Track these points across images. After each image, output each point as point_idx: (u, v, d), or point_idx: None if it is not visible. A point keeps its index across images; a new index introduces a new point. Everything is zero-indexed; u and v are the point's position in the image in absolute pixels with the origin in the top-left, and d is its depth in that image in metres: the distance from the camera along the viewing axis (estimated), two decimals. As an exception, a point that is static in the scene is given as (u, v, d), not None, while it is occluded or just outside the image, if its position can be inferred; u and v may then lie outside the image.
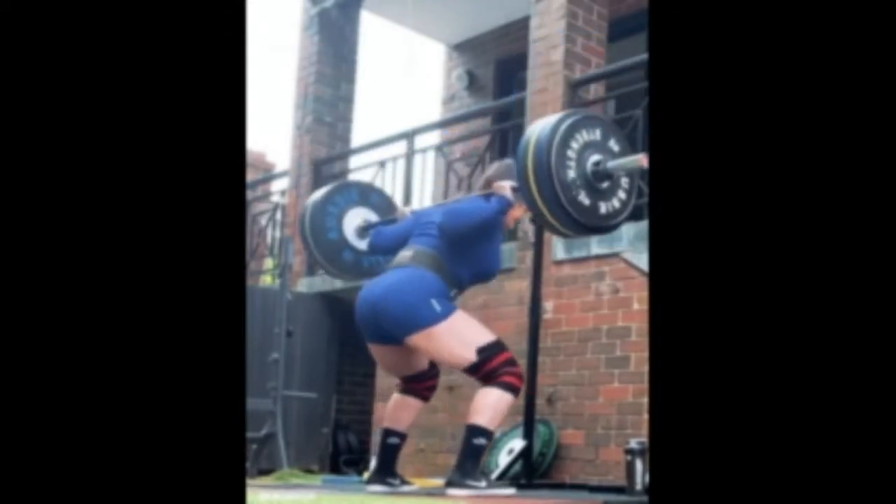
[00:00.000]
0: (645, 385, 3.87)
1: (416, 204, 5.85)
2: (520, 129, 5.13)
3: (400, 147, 5.99)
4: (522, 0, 5.38)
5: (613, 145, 3.11)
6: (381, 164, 6.05)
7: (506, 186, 3.31)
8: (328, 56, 6.72)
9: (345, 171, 6.61)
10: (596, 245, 4.38)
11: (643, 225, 4.13)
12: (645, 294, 4.00)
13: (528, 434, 4.04)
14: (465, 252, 3.28)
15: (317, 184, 6.50)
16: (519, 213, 3.45)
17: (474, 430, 3.13)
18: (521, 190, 3.07)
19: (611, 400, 4.20)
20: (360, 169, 6.40)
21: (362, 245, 3.93)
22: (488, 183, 3.50)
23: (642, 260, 4.11)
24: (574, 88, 4.82)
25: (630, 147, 3.22)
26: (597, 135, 3.07)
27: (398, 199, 5.88)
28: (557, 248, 4.57)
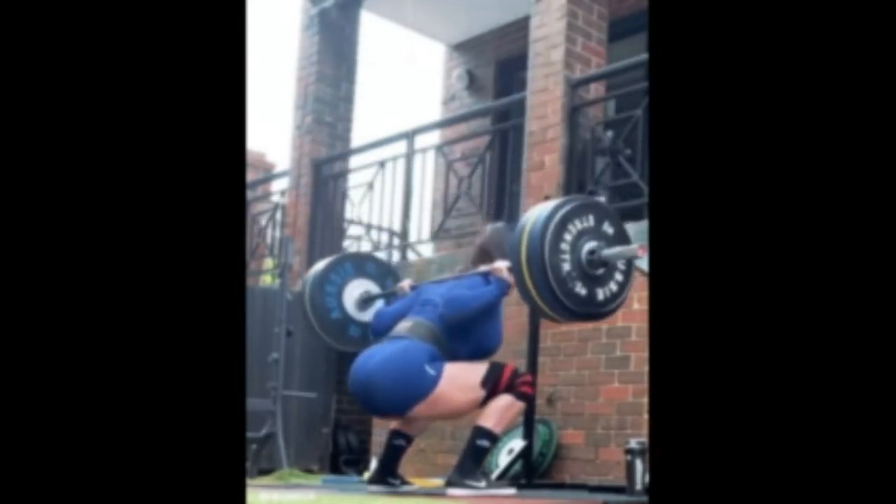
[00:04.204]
0: (645, 385, 3.87)
1: (415, 206, 5.85)
2: (520, 129, 5.13)
3: (400, 147, 5.99)
4: (522, 0, 5.38)
5: (608, 228, 3.09)
6: (381, 164, 6.05)
7: (504, 269, 3.31)
8: (328, 56, 6.72)
9: (345, 171, 6.61)
10: (596, 245, 4.37)
11: (643, 225, 4.13)
12: (645, 294, 3.99)
13: (528, 434, 4.04)
14: (465, 332, 3.30)
15: (317, 184, 6.51)
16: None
17: (479, 432, 3.15)
18: (516, 281, 3.07)
19: (611, 400, 4.20)
20: (361, 169, 6.40)
21: (366, 316, 3.92)
22: (482, 252, 3.51)
23: (642, 260, 4.11)
24: (574, 88, 4.82)
25: (624, 230, 3.20)
26: (590, 221, 3.06)
27: (397, 201, 5.90)
28: (557, 248, 4.56)
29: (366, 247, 6.38)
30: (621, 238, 3.12)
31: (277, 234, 6.87)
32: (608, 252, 3.05)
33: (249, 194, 7.25)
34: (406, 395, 3.12)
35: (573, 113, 4.80)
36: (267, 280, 7.27)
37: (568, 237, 3.00)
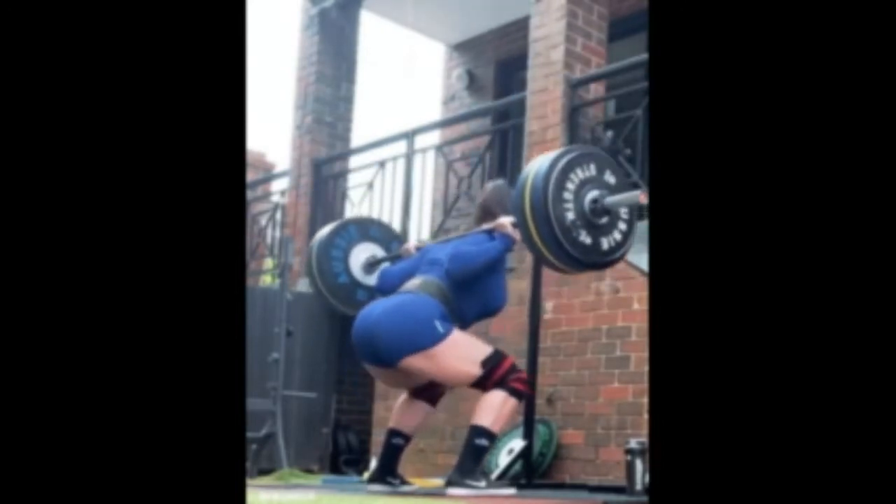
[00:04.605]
0: (645, 385, 3.87)
1: (415, 206, 5.85)
2: (520, 129, 5.13)
3: (400, 147, 5.98)
4: (522, 0, 5.38)
5: (609, 178, 3.11)
6: (381, 164, 6.05)
7: (507, 224, 3.32)
8: (328, 56, 6.72)
9: (345, 171, 6.61)
10: (596, 245, 4.37)
11: (643, 225, 4.13)
12: (645, 294, 3.99)
13: (528, 434, 4.04)
14: (472, 289, 3.30)
15: (317, 184, 6.51)
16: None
17: (477, 431, 3.14)
18: (520, 229, 3.08)
19: (611, 400, 4.20)
20: (361, 169, 6.40)
21: (373, 280, 3.93)
22: (484, 211, 3.52)
23: (642, 260, 4.11)
24: (574, 88, 4.82)
25: (626, 179, 3.23)
26: (592, 170, 3.07)
27: (397, 200, 5.90)
28: (557, 248, 4.56)
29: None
30: (623, 188, 3.12)
31: (277, 234, 6.87)
32: (611, 199, 3.06)
33: (249, 194, 7.24)
34: (409, 341, 3.11)
35: (573, 113, 4.80)
36: (267, 280, 7.27)
37: (570, 186, 3.02)
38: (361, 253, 4.05)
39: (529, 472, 4.02)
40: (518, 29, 6.55)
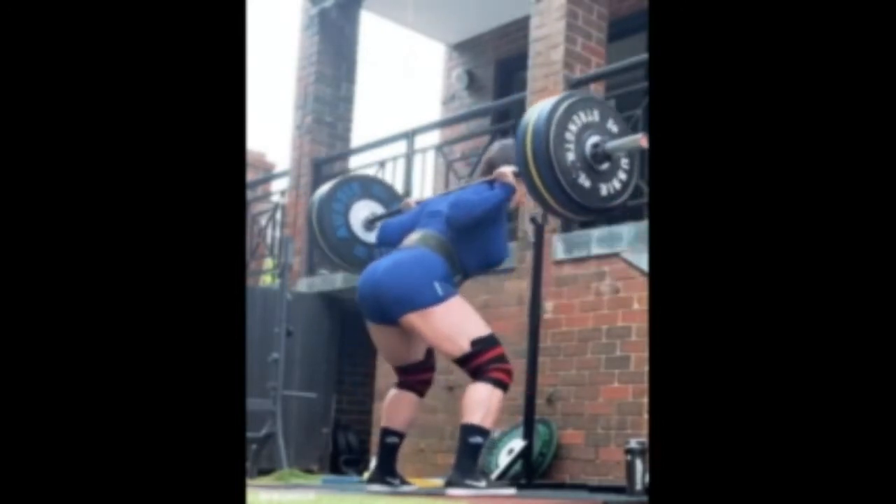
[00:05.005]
0: (645, 385, 3.87)
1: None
2: (520, 129, 5.14)
3: (400, 147, 5.99)
4: (522, 0, 5.38)
5: (612, 126, 3.11)
6: (381, 164, 6.05)
7: (508, 173, 3.33)
8: (328, 56, 6.72)
9: (345, 171, 6.61)
10: (596, 245, 4.38)
11: (643, 225, 4.13)
12: (645, 294, 3.99)
13: (528, 434, 4.04)
14: (472, 239, 3.31)
15: (317, 184, 6.50)
16: (522, 195, 3.46)
17: (469, 429, 3.12)
18: (522, 175, 3.08)
19: (611, 400, 4.20)
20: (360, 169, 6.40)
21: (372, 238, 3.95)
22: (489, 166, 3.52)
23: (642, 260, 4.11)
24: (574, 88, 4.82)
25: (629, 128, 3.23)
26: (595, 116, 3.08)
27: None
28: (557, 248, 4.57)
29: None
30: (624, 134, 3.13)
31: (277, 234, 6.87)
32: (612, 144, 3.06)
33: (249, 194, 7.25)
34: (408, 299, 3.12)
35: (573, 113, 4.80)
36: (267, 280, 7.28)
37: (573, 128, 3.02)
38: (362, 210, 4.06)
39: (529, 472, 4.02)
40: (518, 29, 6.55)
